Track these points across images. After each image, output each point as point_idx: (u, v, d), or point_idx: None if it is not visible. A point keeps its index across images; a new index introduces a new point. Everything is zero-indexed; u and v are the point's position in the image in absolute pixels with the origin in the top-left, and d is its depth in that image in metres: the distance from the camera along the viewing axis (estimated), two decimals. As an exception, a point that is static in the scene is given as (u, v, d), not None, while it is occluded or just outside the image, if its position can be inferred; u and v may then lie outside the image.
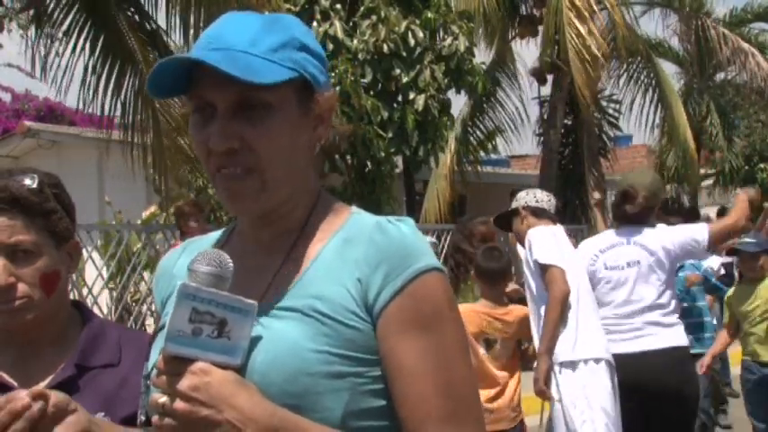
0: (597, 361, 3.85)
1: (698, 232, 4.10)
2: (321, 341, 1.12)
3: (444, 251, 9.17)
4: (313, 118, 1.23)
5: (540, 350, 3.90)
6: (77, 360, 1.47)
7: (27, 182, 1.44)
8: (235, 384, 1.08)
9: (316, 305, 1.15)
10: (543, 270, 3.93)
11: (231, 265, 1.13)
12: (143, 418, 1.13)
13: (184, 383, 1.06)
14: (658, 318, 4.00)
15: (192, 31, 7.01)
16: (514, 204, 4.29)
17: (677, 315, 4.09)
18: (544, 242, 4.00)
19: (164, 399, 1.06)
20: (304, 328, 1.13)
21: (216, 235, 1.35)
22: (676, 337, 3.99)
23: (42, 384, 1.44)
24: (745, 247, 5.11)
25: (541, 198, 4.29)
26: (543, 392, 3.90)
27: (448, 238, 9.53)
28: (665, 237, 4.11)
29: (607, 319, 4.04)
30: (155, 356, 1.17)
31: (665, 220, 5.69)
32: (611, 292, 4.10)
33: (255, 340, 1.14)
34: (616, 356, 3.91)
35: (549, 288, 3.89)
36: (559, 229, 4.17)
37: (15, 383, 1.44)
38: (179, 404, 1.05)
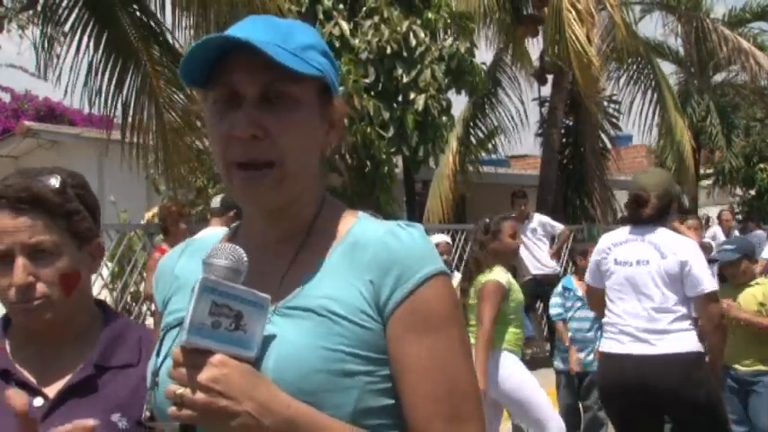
0: None
1: (704, 286, 3.86)
2: (334, 340, 1.14)
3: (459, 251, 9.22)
4: (327, 122, 1.26)
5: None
6: (96, 360, 1.47)
7: (50, 182, 1.44)
8: (253, 376, 1.10)
9: (329, 305, 1.16)
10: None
11: (246, 259, 1.15)
12: (148, 414, 1.15)
13: (204, 375, 1.07)
14: (664, 324, 3.83)
15: (201, 31, 6.97)
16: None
17: (688, 321, 3.89)
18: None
19: (182, 390, 1.08)
20: (317, 327, 1.15)
21: (219, 236, 1.36)
22: (682, 343, 3.81)
23: (60, 383, 1.45)
24: (725, 257, 5.00)
25: None
26: None
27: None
28: (680, 251, 3.91)
29: (612, 317, 3.97)
30: (164, 353, 1.19)
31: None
32: (618, 289, 3.99)
33: (268, 339, 1.15)
34: (616, 356, 3.88)
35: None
36: None
37: (35, 381, 1.45)
38: (199, 395, 1.07)
